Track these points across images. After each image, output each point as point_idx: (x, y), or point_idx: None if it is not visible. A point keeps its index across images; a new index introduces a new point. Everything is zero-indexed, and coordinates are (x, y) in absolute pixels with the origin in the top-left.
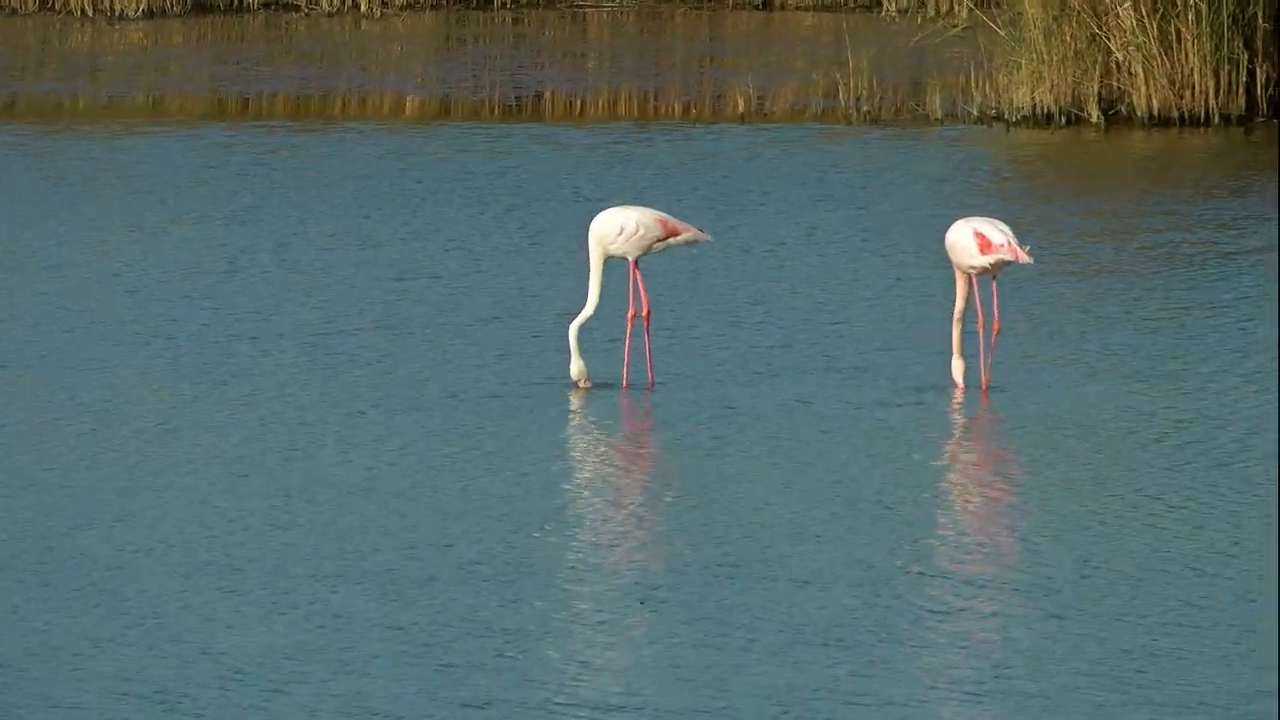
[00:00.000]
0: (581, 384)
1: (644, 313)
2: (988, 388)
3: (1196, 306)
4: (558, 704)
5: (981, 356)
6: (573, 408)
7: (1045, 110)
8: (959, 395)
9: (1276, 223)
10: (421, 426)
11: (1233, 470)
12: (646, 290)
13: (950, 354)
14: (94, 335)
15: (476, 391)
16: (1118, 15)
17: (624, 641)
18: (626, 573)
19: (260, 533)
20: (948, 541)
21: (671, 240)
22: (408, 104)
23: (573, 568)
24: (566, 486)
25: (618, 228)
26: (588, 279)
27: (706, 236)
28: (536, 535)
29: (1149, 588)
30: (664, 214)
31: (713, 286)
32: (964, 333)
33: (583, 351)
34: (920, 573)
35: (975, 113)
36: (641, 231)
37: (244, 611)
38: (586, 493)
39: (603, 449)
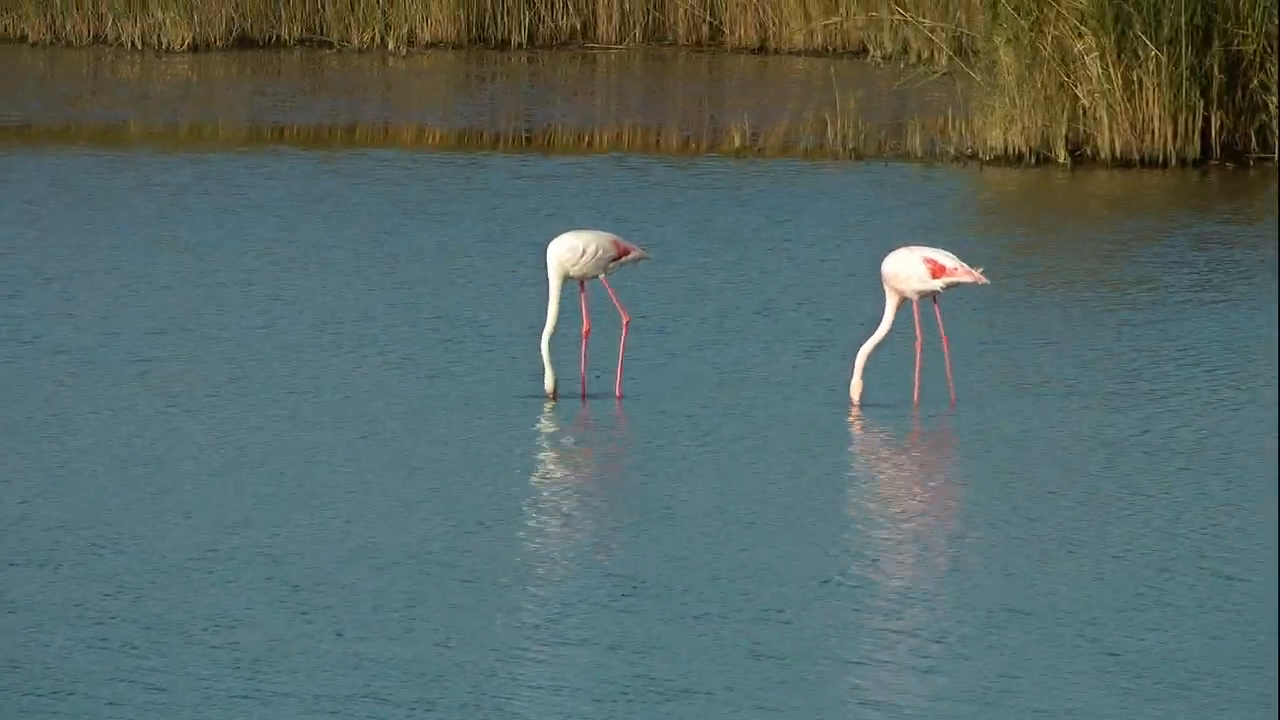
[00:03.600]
0: (552, 395)
1: (626, 257)
2: (954, 402)
3: (1148, 335)
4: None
5: (917, 373)
6: (542, 414)
7: (1016, 151)
8: (918, 412)
9: (1276, 250)
10: (409, 425)
11: (1172, 483)
12: (589, 308)
13: (852, 375)
14: (152, 333)
15: (476, 394)
16: (1085, 64)
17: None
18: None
19: (250, 522)
20: (883, 546)
21: (624, 259)
22: (429, 135)
23: (538, 562)
24: (528, 480)
25: (579, 250)
26: (548, 298)
27: (650, 254)
28: (490, 532)
29: (1084, 593)
30: (615, 235)
31: (692, 308)
32: (871, 358)
33: (555, 364)
34: (843, 572)
35: (952, 152)
36: (600, 253)
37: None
38: (546, 488)
39: (565, 452)
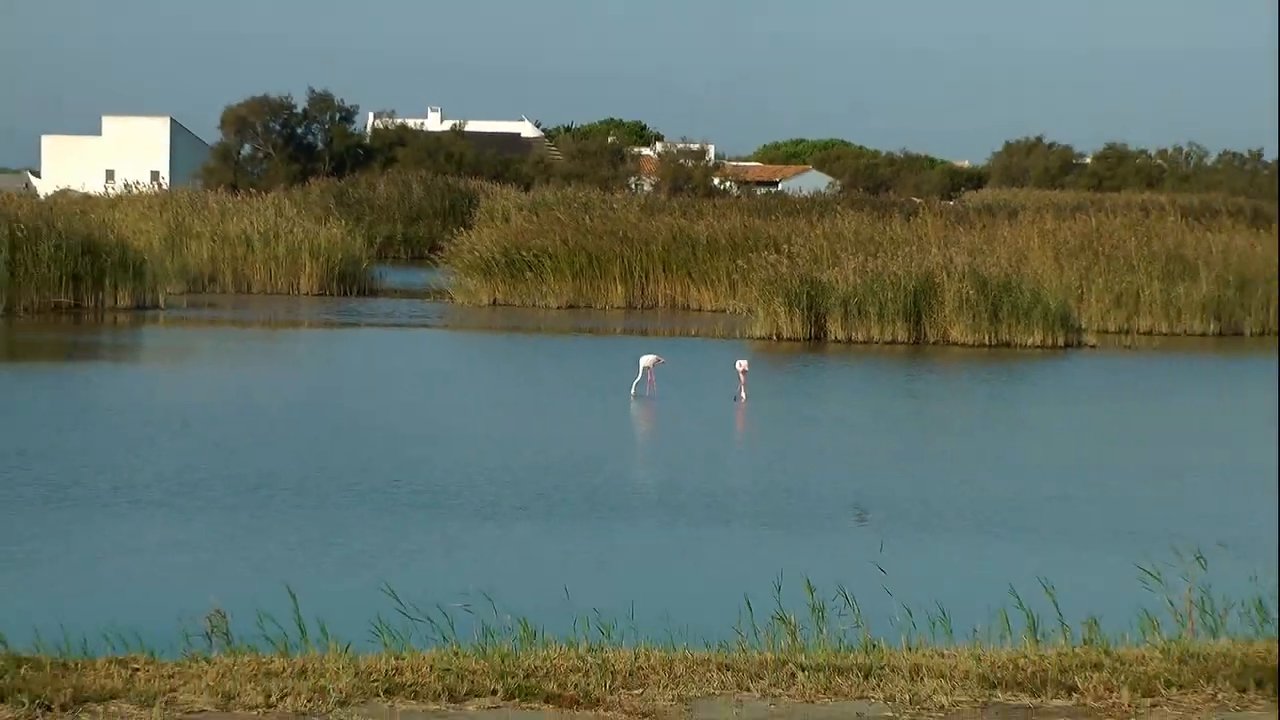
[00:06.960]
0: (635, 395)
1: (661, 361)
2: (744, 411)
3: (812, 401)
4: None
5: (740, 412)
6: (631, 406)
7: (779, 335)
8: (741, 416)
9: None
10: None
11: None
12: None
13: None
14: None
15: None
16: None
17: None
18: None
19: (393, 478)
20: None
21: (660, 363)
22: (584, 329)
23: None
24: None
25: (652, 358)
26: (637, 375)
27: (666, 360)
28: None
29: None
30: (659, 355)
31: (673, 391)
32: (738, 390)
33: (638, 393)
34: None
35: (755, 337)
36: (657, 359)
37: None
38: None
39: (623, 419)
